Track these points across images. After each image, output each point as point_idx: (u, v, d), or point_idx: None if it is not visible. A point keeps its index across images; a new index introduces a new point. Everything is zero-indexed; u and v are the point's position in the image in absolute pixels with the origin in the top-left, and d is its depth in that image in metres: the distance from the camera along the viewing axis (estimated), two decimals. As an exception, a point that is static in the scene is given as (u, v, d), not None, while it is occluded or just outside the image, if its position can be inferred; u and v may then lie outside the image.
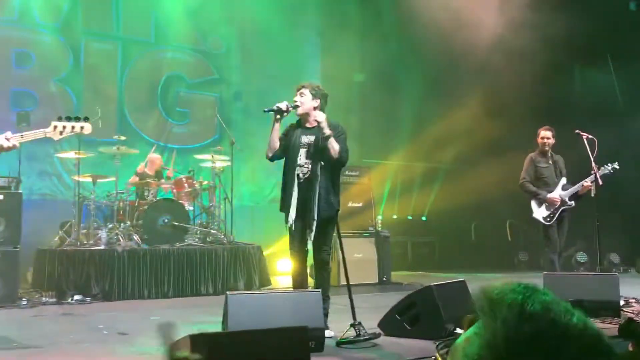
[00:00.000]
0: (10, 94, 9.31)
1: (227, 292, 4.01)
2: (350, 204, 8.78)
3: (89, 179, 7.79)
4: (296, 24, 11.14)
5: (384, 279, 8.83)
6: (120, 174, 7.85)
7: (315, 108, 4.78)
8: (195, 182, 8.50)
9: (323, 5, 10.82)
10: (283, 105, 4.68)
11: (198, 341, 2.86)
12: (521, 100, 11.27)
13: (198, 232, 8.12)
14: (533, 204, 6.78)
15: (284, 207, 4.73)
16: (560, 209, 6.66)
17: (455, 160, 12.48)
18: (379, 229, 9.31)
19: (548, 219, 6.64)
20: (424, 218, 12.73)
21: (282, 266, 9.91)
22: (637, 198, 10.52)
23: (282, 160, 4.89)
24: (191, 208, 8.37)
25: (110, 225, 7.63)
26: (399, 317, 4.66)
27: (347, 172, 8.59)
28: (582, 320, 0.78)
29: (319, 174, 4.63)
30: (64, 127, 4.13)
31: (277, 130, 4.77)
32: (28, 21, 9.51)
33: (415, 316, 4.58)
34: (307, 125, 4.80)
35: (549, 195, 6.69)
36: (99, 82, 10.01)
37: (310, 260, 4.86)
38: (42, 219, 8.23)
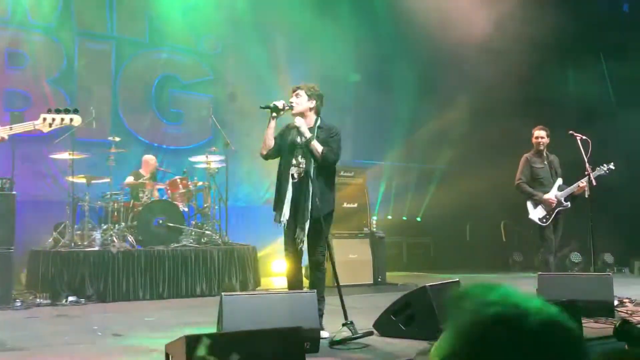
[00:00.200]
0: (3, 94, 9.26)
1: (222, 293, 4.01)
2: (345, 205, 8.78)
3: (83, 180, 7.76)
4: (292, 24, 11.13)
5: (379, 279, 8.83)
6: (114, 175, 7.83)
7: (311, 109, 4.78)
8: (189, 183, 8.49)
9: (318, 5, 10.81)
10: (280, 104, 4.68)
11: (193, 342, 2.86)
12: (515, 101, 11.31)
13: (193, 233, 8.11)
14: (529, 204, 6.79)
15: (278, 206, 4.73)
16: (556, 210, 6.67)
17: (450, 161, 12.51)
18: (374, 229, 9.32)
19: (544, 220, 6.65)
20: (418, 219, 12.75)
21: (277, 267, 9.91)
22: (631, 198, 10.56)
23: (277, 161, 4.89)
24: (186, 209, 8.36)
25: (105, 227, 7.61)
26: (394, 318, 4.66)
27: (342, 173, 8.59)
28: (541, 302, 0.84)
29: (313, 174, 4.63)
30: (53, 120, 4.08)
31: (273, 129, 4.77)
32: (21, 21, 9.45)
33: (410, 317, 4.58)
34: None
35: (545, 196, 6.70)
36: (92, 82, 9.97)
37: (305, 260, 4.86)
38: (36, 220, 8.19)
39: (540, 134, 6.89)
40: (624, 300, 6.16)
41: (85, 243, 7.35)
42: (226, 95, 11.20)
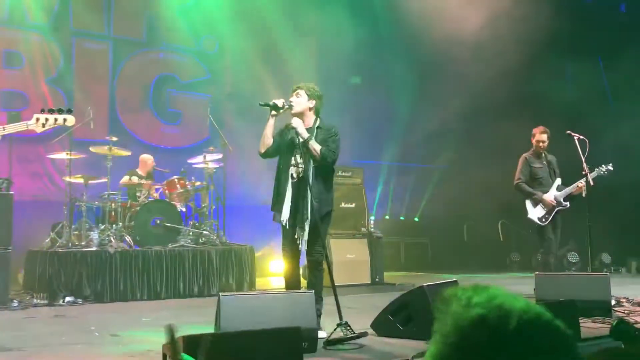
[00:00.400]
0: (1, 94, 9.25)
1: (220, 293, 4.00)
2: (342, 205, 8.78)
3: (81, 180, 7.75)
4: (290, 24, 11.12)
5: (377, 279, 8.83)
6: (112, 175, 7.82)
7: (310, 109, 4.78)
8: (187, 183, 8.48)
9: (316, 5, 10.82)
10: (279, 102, 4.68)
11: (191, 342, 2.86)
12: (512, 101, 11.32)
13: (190, 233, 8.10)
14: (528, 204, 6.78)
15: (277, 205, 4.72)
16: (555, 210, 6.67)
17: (448, 161, 12.52)
18: (372, 229, 9.32)
19: (543, 220, 6.65)
20: (416, 219, 12.76)
21: (274, 267, 9.90)
22: (628, 199, 10.58)
23: (275, 160, 4.88)
24: (183, 209, 8.35)
25: (102, 227, 7.59)
26: (391, 318, 4.66)
27: (339, 173, 8.59)
28: (526, 302, 0.83)
29: (312, 174, 4.63)
30: (47, 120, 4.07)
31: (271, 127, 4.76)
32: (18, 21, 9.44)
33: (408, 316, 4.58)
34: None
35: (545, 196, 6.70)
36: (90, 82, 9.96)
37: (302, 260, 4.85)
38: (34, 220, 8.18)
39: (542, 138, 6.86)
40: (622, 300, 6.18)
41: (83, 243, 7.34)
42: (224, 95, 11.19)
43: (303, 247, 4.67)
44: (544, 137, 6.87)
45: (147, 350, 4.15)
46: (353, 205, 9.05)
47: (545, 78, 11.55)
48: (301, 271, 5.30)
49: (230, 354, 2.97)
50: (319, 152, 4.62)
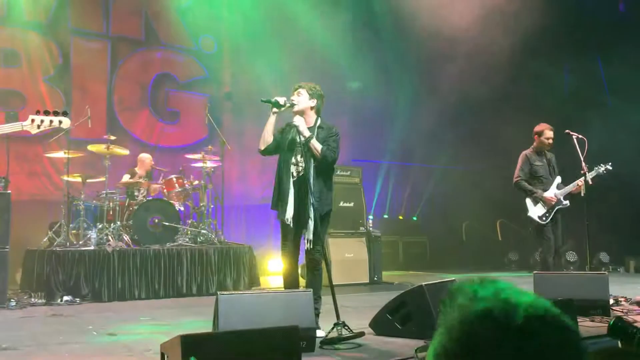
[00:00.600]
0: (-1, 93, 9.24)
1: (218, 292, 4.00)
2: (341, 204, 8.78)
3: (79, 179, 7.74)
4: (289, 23, 11.12)
5: (375, 278, 8.83)
6: (109, 174, 7.81)
7: (312, 108, 4.78)
8: (185, 182, 8.48)
9: (314, 5, 10.80)
10: (281, 100, 4.67)
11: (189, 341, 2.85)
12: (511, 100, 11.33)
13: (188, 232, 8.09)
14: (528, 202, 6.71)
15: (279, 204, 4.71)
16: (556, 209, 6.65)
17: (446, 161, 12.52)
18: (370, 228, 9.32)
19: (544, 218, 6.61)
20: (415, 218, 12.77)
21: (273, 266, 9.90)
22: (626, 198, 10.60)
23: (274, 160, 4.87)
24: (182, 208, 8.35)
25: (100, 226, 7.59)
26: (390, 317, 4.66)
27: (338, 172, 8.59)
28: (534, 297, 0.82)
29: (312, 172, 4.63)
30: (42, 121, 4.05)
31: (272, 124, 4.74)
32: (16, 20, 9.42)
33: (407, 315, 4.58)
34: None
35: (545, 194, 6.65)
36: (88, 81, 9.95)
37: (301, 259, 4.85)
38: (31, 220, 8.18)
39: (550, 135, 6.79)
40: (620, 299, 6.18)
41: (81, 242, 7.33)
42: (222, 94, 11.18)
43: (306, 245, 4.66)
44: (552, 134, 6.80)
45: (146, 349, 4.15)
46: (352, 204, 9.05)
47: (545, 77, 11.56)
48: (300, 270, 5.29)
49: (229, 353, 2.97)
50: (319, 151, 4.61)
